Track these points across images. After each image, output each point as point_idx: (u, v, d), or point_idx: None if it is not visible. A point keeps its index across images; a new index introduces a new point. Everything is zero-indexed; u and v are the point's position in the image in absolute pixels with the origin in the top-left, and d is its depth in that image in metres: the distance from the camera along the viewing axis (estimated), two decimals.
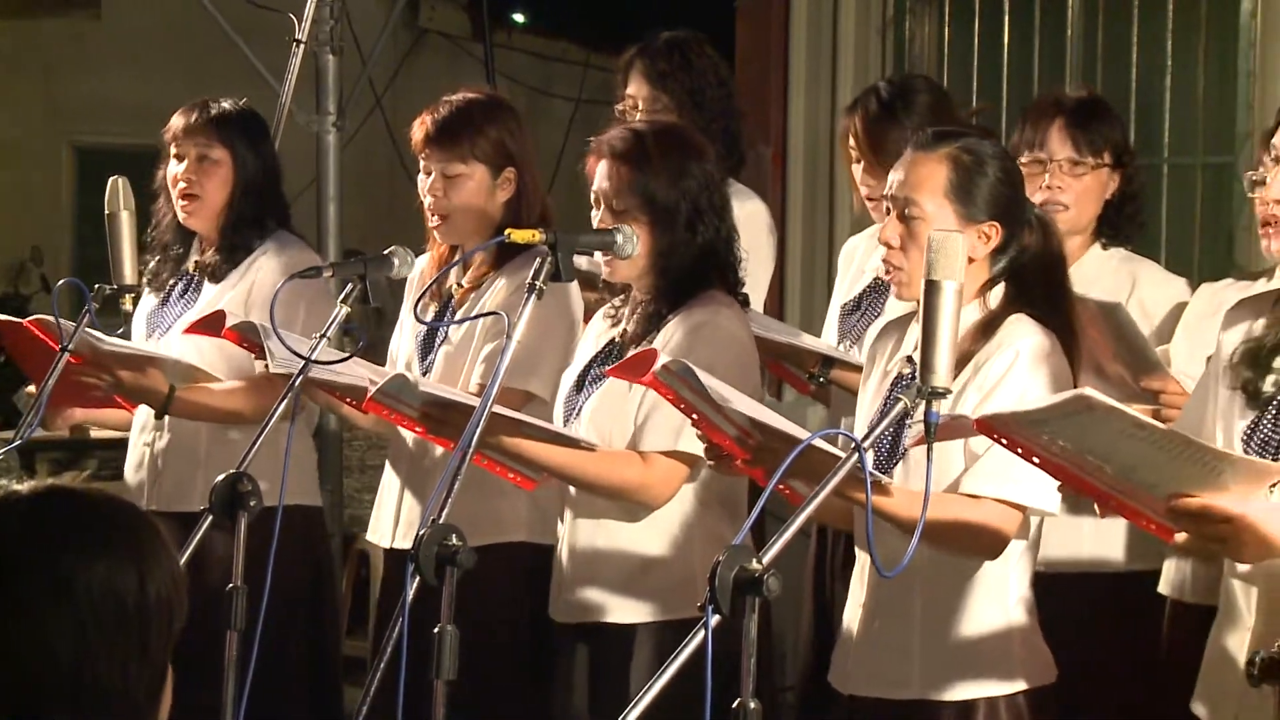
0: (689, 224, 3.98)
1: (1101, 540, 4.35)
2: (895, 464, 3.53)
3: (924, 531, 3.39)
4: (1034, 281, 3.60)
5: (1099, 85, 6.03)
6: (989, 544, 3.47)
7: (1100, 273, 4.50)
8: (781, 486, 3.24)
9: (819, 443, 3.13)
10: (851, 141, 4.73)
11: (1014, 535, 3.49)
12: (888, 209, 3.63)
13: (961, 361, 3.50)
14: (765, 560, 2.72)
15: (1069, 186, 4.47)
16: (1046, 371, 3.49)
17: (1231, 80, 6.47)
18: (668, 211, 3.97)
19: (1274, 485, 3.05)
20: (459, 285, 4.43)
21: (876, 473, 3.45)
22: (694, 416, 3.44)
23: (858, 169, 4.72)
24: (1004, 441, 3.05)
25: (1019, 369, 3.48)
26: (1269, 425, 3.12)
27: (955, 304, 3.00)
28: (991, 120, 6.94)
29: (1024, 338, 3.51)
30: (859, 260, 4.83)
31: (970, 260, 3.52)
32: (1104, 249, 4.55)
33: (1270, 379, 3.16)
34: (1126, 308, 4.38)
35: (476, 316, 4.27)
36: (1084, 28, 6.82)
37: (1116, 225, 4.55)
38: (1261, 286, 4.13)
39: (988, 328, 3.55)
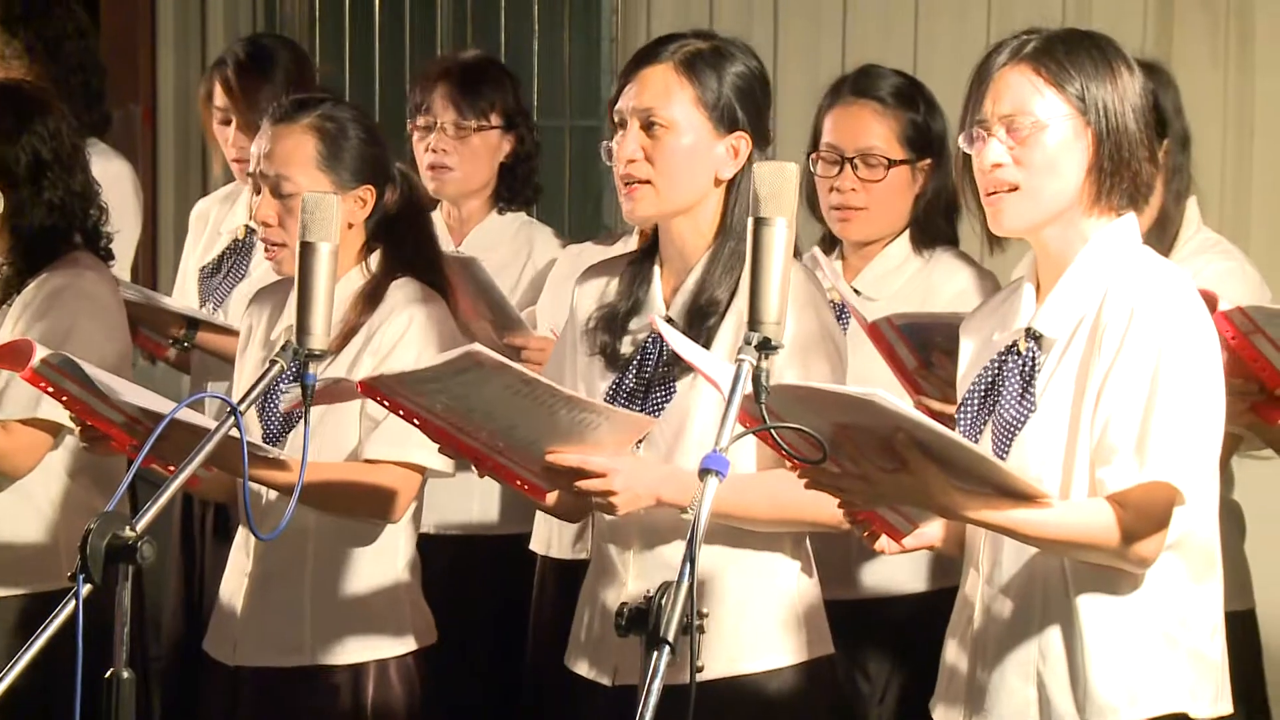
0: (33, 182, 3.84)
1: (487, 502, 4.41)
2: (290, 431, 3.50)
3: (321, 497, 3.41)
4: (406, 239, 3.62)
5: (469, 49, 6.08)
6: (388, 507, 3.49)
7: (500, 237, 4.54)
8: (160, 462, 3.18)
9: (185, 415, 3.06)
10: (218, 101, 4.63)
11: (413, 498, 3.52)
12: (259, 185, 3.57)
13: (352, 331, 3.52)
14: (139, 527, 2.64)
15: (454, 149, 4.47)
16: (439, 333, 3.51)
17: (595, 46, 6.64)
18: (7, 170, 3.82)
19: (639, 442, 3.14)
20: None
21: (257, 442, 3.41)
22: (77, 408, 3.32)
23: (225, 130, 4.63)
24: (386, 404, 3.04)
25: (413, 333, 3.50)
26: (631, 381, 3.20)
27: (330, 265, 2.97)
28: (364, 83, 6.94)
29: (413, 302, 3.54)
30: (214, 221, 4.73)
31: (350, 226, 3.54)
32: (501, 214, 4.58)
33: (627, 339, 3.24)
34: (522, 270, 4.45)
35: None
36: None
37: (512, 189, 4.58)
38: (620, 248, 4.25)
39: (374, 294, 3.56)
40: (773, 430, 2.61)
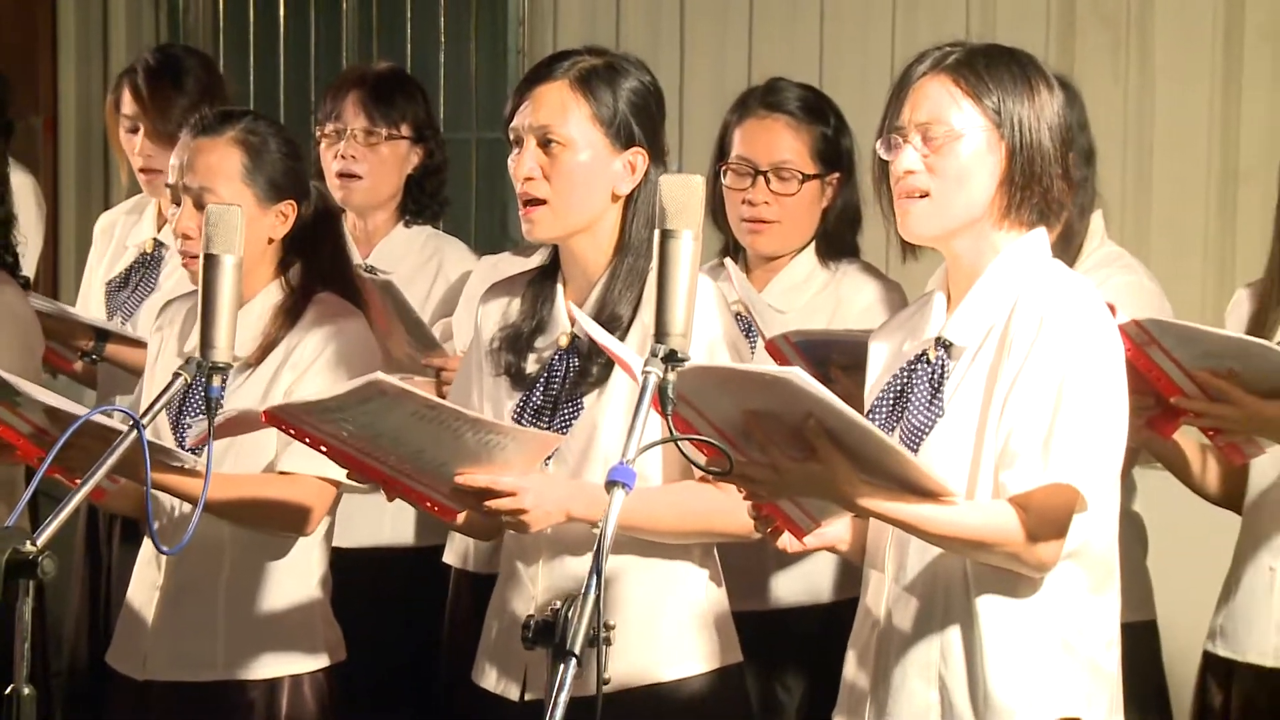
0: None
1: (401, 516, 4.40)
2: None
3: (234, 509, 3.41)
4: (322, 253, 3.63)
5: (374, 60, 6.07)
6: (301, 520, 3.48)
7: (407, 250, 4.54)
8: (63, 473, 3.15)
9: (98, 418, 3.05)
10: (126, 109, 4.60)
11: (327, 512, 3.52)
12: (178, 197, 3.55)
13: (272, 344, 3.52)
14: (40, 541, 2.62)
15: (364, 157, 4.47)
16: (359, 349, 3.52)
17: (502, 58, 6.64)
18: None
19: (549, 459, 3.14)
20: None
21: (180, 450, 3.38)
22: None
23: (133, 139, 4.60)
24: (292, 432, 3.03)
25: (334, 349, 3.50)
26: (538, 398, 3.20)
27: (235, 277, 2.97)
28: (269, 93, 6.91)
29: (334, 317, 3.54)
30: (120, 235, 4.69)
31: (271, 241, 3.56)
32: (408, 226, 4.58)
33: (532, 358, 3.24)
34: (433, 283, 4.44)
35: None
36: (359, 2, 6.87)
37: (420, 202, 4.58)
38: (538, 260, 4.25)
39: (294, 308, 3.56)
40: (678, 443, 2.61)
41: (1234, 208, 5.42)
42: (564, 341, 3.21)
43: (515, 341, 3.26)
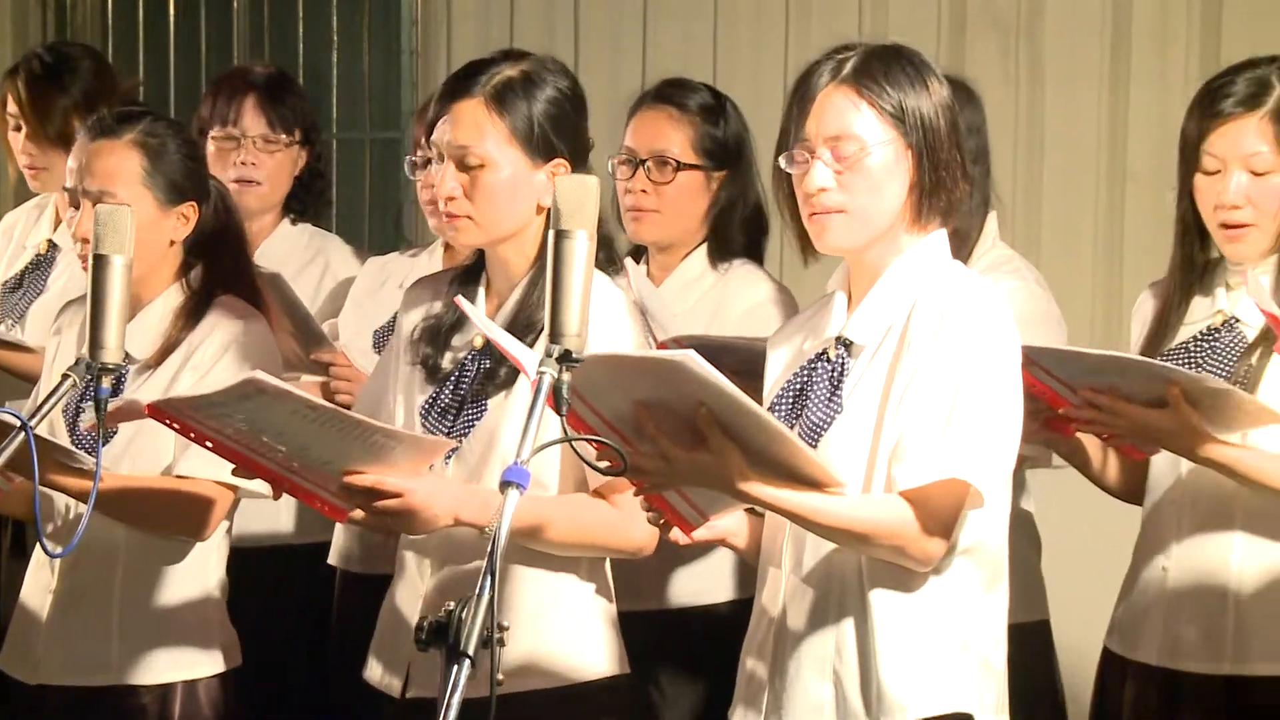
0: None
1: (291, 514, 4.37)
2: (104, 445, 3.45)
3: (130, 511, 3.40)
4: (224, 255, 3.61)
5: (267, 60, 6.04)
6: (199, 525, 3.46)
7: (291, 248, 4.54)
8: None
9: None
10: (10, 108, 4.56)
11: (224, 516, 3.51)
12: (77, 200, 3.52)
13: (172, 346, 3.51)
14: None
15: (263, 163, 4.48)
16: (259, 350, 3.51)
17: (396, 58, 6.61)
18: None
19: (449, 459, 3.13)
20: None
21: (79, 451, 3.35)
22: None
23: (17, 137, 4.56)
24: (176, 426, 3.00)
25: (234, 351, 3.49)
26: (447, 396, 3.19)
27: (124, 278, 2.95)
28: (159, 93, 6.85)
29: (235, 319, 3.53)
30: (19, 235, 4.65)
31: (172, 243, 3.55)
32: (293, 224, 4.58)
33: (449, 355, 3.23)
34: (319, 282, 4.43)
35: None
36: (250, 2, 6.82)
37: (305, 201, 4.59)
38: (425, 261, 4.25)
39: (195, 309, 3.54)
40: (571, 443, 2.61)
41: (1123, 209, 5.48)
42: (478, 342, 3.20)
43: (435, 335, 3.25)
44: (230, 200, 3.70)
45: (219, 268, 3.59)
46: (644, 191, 3.93)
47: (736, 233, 3.98)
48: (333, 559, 4.26)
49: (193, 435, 3.00)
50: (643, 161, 3.94)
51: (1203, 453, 3.19)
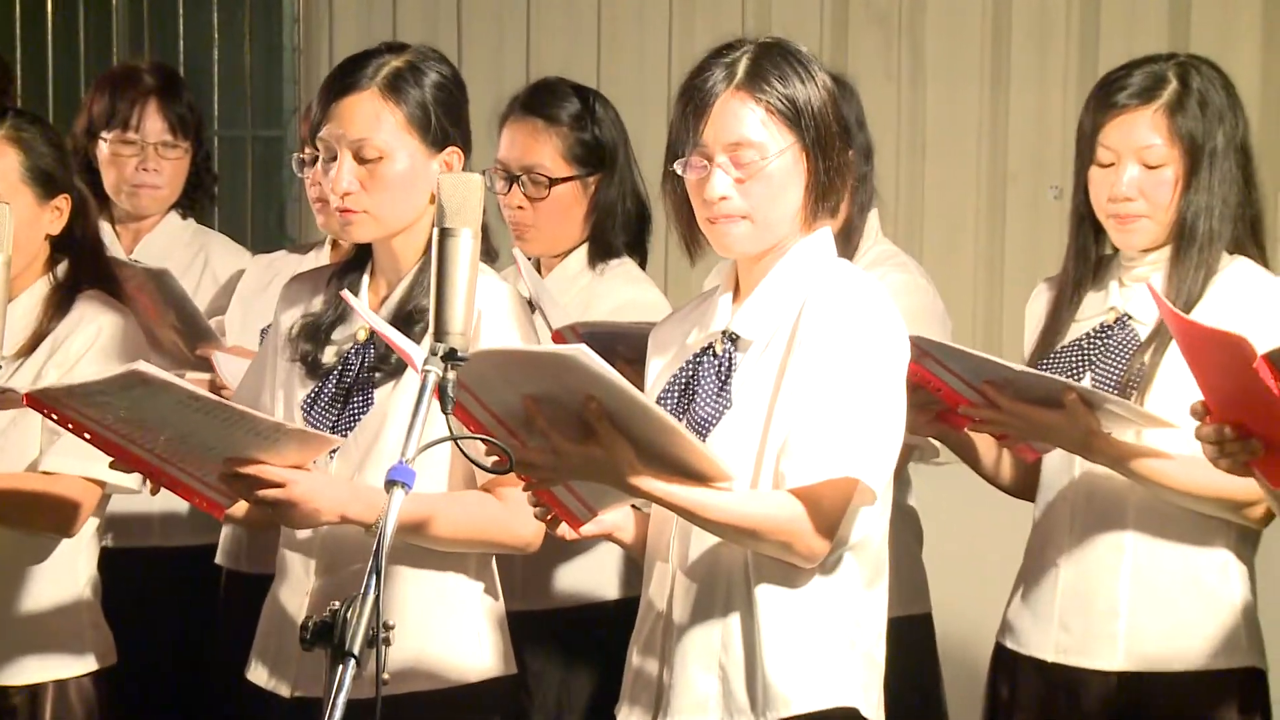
0: None
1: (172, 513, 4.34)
2: None
3: None
4: (85, 250, 3.59)
5: (146, 57, 5.98)
6: (65, 521, 3.44)
7: (174, 244, 4.54)
8: None
9: None
10: None
11: (92, 513, 3.47)
12: None
13: (38, 339, 3.49)
14: None
15: (164, 168, 4.49)
16: (127, 345, 3.49)
17: (278, 55, 6.57)
18: None
19: (333, 452, 3.11)
20: None
21: None
22: None
23: None
24: (55, 417, 2.97)
25: (101, 344, 3.47)
26: (331, 389, 3.17)
27: (3, 275, 2.94)
28: (37, 89, 6.78)
29: (102, 313, 3.51)
30: None
31: (47, 237, 3.55)
32: (183, 219, 4.58)
33: (330, 350, 3.22)
34: (200, 279, 4.40)
35: None
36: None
37: (193, 198, 4.60)
38: (313, 258, 4.23)
39: (61, 302, 3.53)
40: (457, 442, 2.60)
41: (1003, 206, 5.53)
42: (362, 335, 3.18)
43: (314, 331, 3.23)
44: (87, 194, 3.67)
45: (83, 262, 3.58)
46: (520, 208, 3.91)
47: (618, 232, 3.98)
48: (220, 558, 4.23)
49: (70, 425, 2.97)
50: (516, 176, 3.92)
51: (1097, 451, 3.23)
